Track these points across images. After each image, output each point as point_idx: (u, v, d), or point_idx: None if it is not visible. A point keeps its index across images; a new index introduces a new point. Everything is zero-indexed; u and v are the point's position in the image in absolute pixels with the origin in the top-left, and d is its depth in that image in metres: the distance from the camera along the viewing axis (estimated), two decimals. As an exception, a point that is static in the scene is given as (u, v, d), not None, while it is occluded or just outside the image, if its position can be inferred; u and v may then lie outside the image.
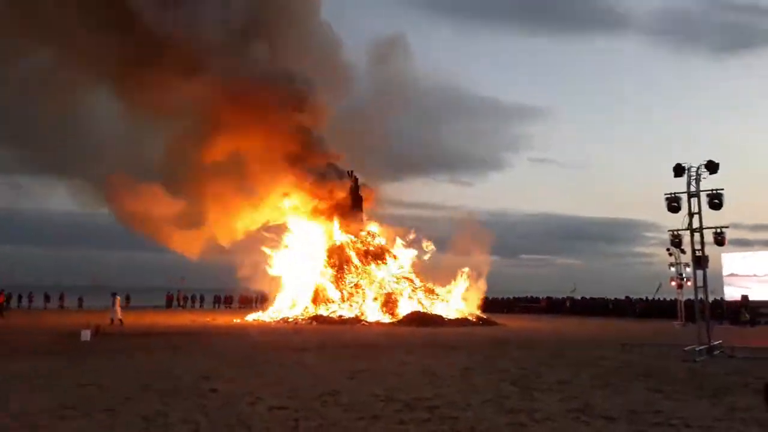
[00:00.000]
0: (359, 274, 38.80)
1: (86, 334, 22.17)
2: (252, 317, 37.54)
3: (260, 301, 45.92)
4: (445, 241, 42.89)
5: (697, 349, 18.10)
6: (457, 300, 38.70)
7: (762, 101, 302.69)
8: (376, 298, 36.75)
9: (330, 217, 40.84)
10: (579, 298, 53.71)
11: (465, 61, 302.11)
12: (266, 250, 39.96)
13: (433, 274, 40.67)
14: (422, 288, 38.81)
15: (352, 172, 42.45)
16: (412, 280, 39.27)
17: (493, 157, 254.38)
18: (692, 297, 21.61)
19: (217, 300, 54.98)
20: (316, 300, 37.44)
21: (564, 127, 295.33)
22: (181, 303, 53.90)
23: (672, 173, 19.21)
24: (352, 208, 41.72)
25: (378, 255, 40.39)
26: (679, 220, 19.43)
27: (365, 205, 43.28)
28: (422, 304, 36.67)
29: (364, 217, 42.78)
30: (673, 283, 35.90)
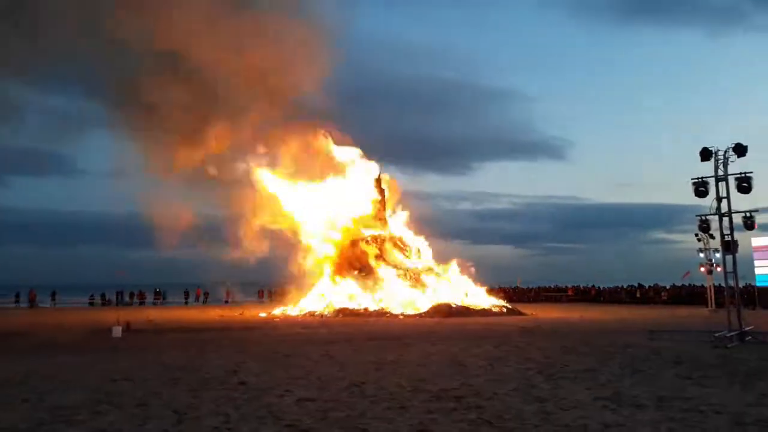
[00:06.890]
0: (385, 266, 38.92)
1: (117, 331, 22.62)
2: (278, 311, 37.88)
3: (285, 294, 46.22)
4: (444, 230, 43.51)
5: (727, 335, 17.85)
6: (479, 290, 38.72)
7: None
8: (400, 290, 36.84)
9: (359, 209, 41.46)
10: (600, 287, 53.28)
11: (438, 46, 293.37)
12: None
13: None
14: (447, 279, 38.80)
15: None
16: (436, 272, 39.30)
17: (480, 146, 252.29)
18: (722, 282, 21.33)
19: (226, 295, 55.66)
20: (342, 293, 37.69)
21: (546, 108, 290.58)
22: (201, 299, 54.59)
23: (698, 157, 18.96)
24: (378, 200, 42.10)
25: (402, 247, 40.54)
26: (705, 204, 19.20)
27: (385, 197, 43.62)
28: (447, 296, 36.67)
29: (388, 209, 42.97)
30: (703, 269, 35.37)
